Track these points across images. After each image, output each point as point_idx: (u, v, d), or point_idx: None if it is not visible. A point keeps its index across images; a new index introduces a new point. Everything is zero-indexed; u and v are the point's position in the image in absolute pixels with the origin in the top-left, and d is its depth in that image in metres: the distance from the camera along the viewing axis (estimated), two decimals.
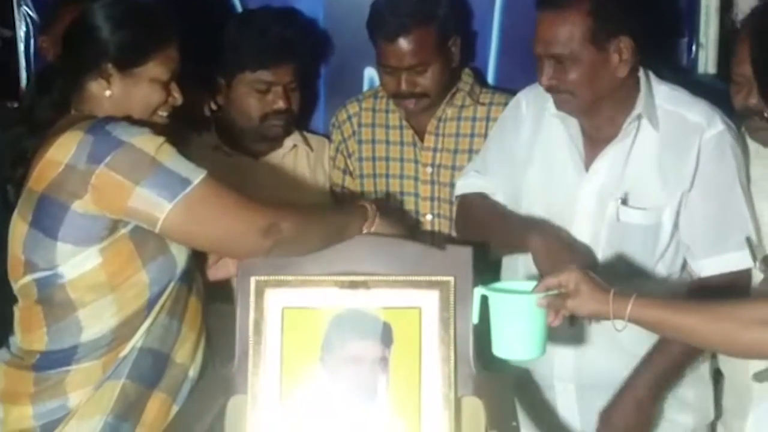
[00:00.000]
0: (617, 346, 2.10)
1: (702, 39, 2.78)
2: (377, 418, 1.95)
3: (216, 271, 2.10)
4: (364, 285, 1.98)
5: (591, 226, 2.14)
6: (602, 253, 2.14)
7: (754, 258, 2.05)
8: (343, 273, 1.99)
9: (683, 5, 2.77)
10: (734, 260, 2.09)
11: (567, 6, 2.03)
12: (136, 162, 1.81)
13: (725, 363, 2.20)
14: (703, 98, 2.15)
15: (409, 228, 2.35)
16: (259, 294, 1.98)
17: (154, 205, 1.81)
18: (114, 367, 1.91)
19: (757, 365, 2.05)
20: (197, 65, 2.12)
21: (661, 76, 2.19)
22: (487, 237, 2.24)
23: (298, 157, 2.67)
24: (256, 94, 2.50)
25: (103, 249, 1.86)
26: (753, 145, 2.16)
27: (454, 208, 2.48)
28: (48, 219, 1.84)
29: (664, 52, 2.72)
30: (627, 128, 2.12)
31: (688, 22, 2.77)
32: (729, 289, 2.05)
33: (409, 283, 1.98)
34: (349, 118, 2.67)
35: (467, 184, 2.38)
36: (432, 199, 2.59)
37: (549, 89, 2.11)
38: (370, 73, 2.75)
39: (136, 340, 1.92)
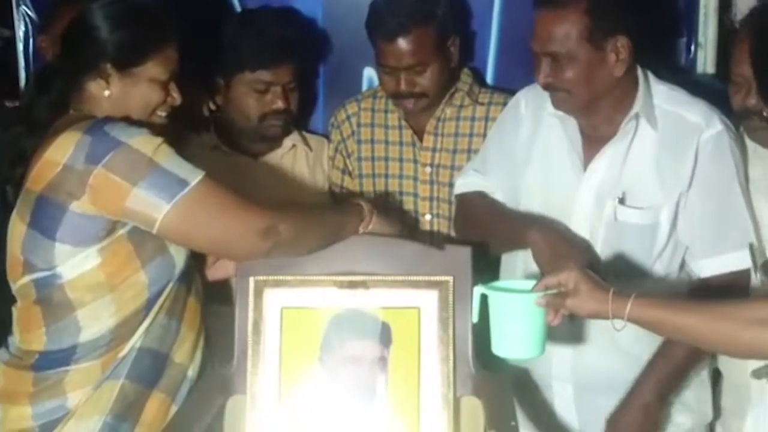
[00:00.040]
0: (615, 347, 2.10)
1: (701, 39, 2.77)
2: (376, 418, 1.95)
3: (215, 271, 2.09)
4: (363, 285, 1.98)
5: (589, 226, 2.14)
6: (600, 252, 2.13)
7: (755, 266, 2.05)
8: (342, 273, 1.99)
9: (682, 5, 2.77)
10: (734, 260, 2.09)
11: (564, 4, 2.03)
12: (133, 163, 1.81)
13: (724, 363, 2.20)
14: (702, 98, 2.15)
15: (407, 227, 2.35)
16: (258, 294, 1.98)
17: (151, 206, 1.81)
18: (113, 367, 1.91)
19: (756, 364, 2.06)
20: (196, 65, 2.12)
21: (660, 75, 2.19)
22: (486, 234, 2.25)
23: (297, 157, 2.66)
24: (255, 94, 2.50)
25: (101, 249, 1.86)
26: (751, 145, 2.16)
27: (453, 208, 2.49)
28: (46, 219, 1.84)
29: (662, 52, 2.72)
30: (625, 128, 2.12)
31: (687, 22, 2.77)
32: (729, 289, 2.05)
33: (408, 283, 1.98)
34: (348, 118, 2.67)
35: (466, 183, 2.39)
36: (431, 198, 2.59)
37: (546, 87, 2.12)
38: (369, 73, 2.75)
39: (135, 340, 1.92)
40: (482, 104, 2.58)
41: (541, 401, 2.25)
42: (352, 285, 1.98)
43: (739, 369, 2.11)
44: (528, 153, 2.25)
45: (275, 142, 2.62)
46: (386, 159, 2.63)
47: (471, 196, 2.36)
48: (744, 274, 2.09)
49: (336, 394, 1.96)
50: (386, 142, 2.63)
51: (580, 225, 2.14)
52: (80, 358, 1.90)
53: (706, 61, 2.78)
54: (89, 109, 1.94)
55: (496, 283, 1.93)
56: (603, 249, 2.13)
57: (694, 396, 2.21)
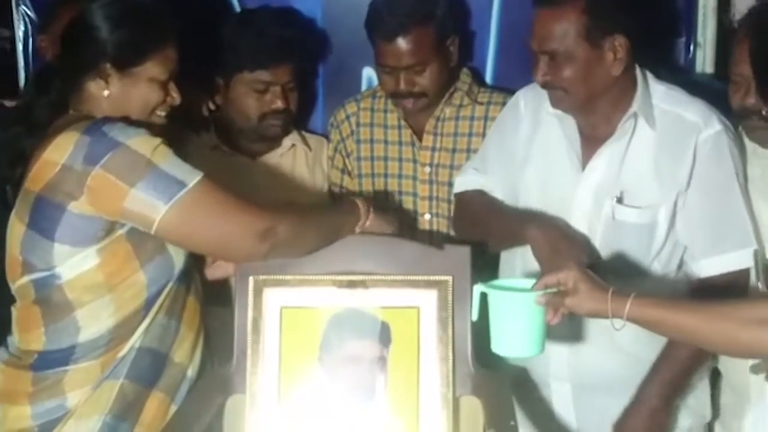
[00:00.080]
0: (613, 346, 2.10)
1: (699, 39, 2.78)
2: (375, 417, 1.95)
3: (214, 271, 2.09)
4: (363, 284, 1.98)
5: (587, 225, 2.14)
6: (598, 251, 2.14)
7: (758, 275, 2.05)
8: (342, 272, 1.99)
9: (681, 5, 2.77)
10: (733, 260, 2.09)
11: (563, 3, 2.04)
12: (131, 164, 1.81)
13: (724, 363, 2.20)
14: (701, 98, 2.15)
15: (407, 226, 2.35)
16: (258, 293, 1.98)
17: (149, 207, 1.81)
18: (112, 367, 1.92)
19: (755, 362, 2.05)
20: (195, 65, 2.11)
21: (659, 75, 2.19)
22: (485, 232, 2.25)
23: (297, 157, 2.66)
24: (254, 93, 2.50)
25: (100, 250, 1.86)
26: (750, 145, 2.16)
27: (452, 207, 2.49)
28: (45, 220, 1.84)
29: (661, 51, 2.72)
30: (623, 127, 2.12)
31: (686, 21, 2.78)
32: (728, 289, 2.05)
33: (407, 283, 1.98)
34: (348, 117, 2.67)
35: (466, 181, 2.39)
36: (430, 198, 2.59)
37: (543, 85, 2.12)
38: (369, 73, 2.76)
39: (135, 340, 1.92)
40: (481, 104, 2.58)
41: (539, 400, 2.25)
42: (352, 284, 1.98)
43: (739, 369, 2.11)
44: (527, 152, 2.25)
45: (275, 141, 2.62)
46: (385, 158, 2.63)
47: (470, 194, 2.36)
48: (743, 274, 2.09)
49: (335, 394, 1.96)
50: (385, 142, 2.63)
51: (578, 224, 2.14)
52: (79, 358, 1.90)
53: (705, 60, 2.78)
54: (89, 109, 1.94)
55: (496, 282, 1.93)
56: (601, 248, 2.13)
57: (693, 396, 2.21)
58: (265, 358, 1.96)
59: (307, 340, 1.97)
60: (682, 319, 1.74)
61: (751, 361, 2.04)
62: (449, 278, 1.97)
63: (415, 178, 2.60)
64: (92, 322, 1.88)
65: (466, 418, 1.96)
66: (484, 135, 2.50)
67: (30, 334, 1.92)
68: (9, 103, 2.61)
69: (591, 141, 2.16)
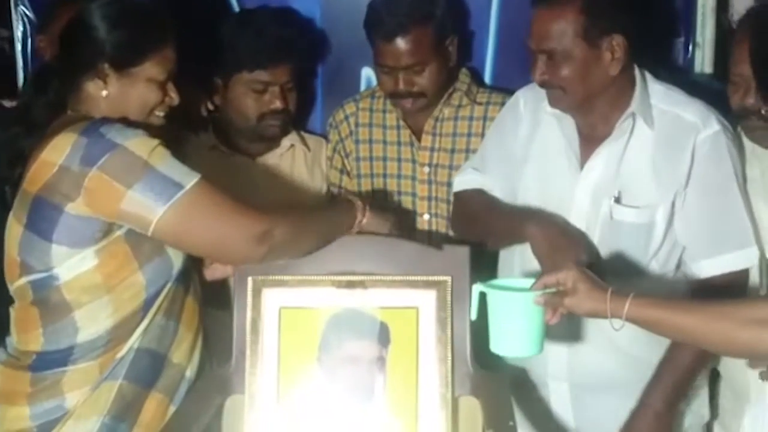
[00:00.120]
0: (611, 346, 2.10)
1: (698, 39, 2.77)
2: (374, 418, 1.95)
3: (213, 271, 2.09)
4: (362, 285, 1.98)
5: (585, 224, 2.14)
6: None
7: (762, 278, 2.04)
8: (341, 273, 1.99)
9: (680, 5, 2.77)
10: (732, 260, 2.09)
11: (560, 3, 2.04)
12: (128, 165, 1.81)
13: (724, 363, 2.20)
14: (700, 98, 2.15)
15: (406, 226, 2.35)
16: (257, 294, 1.98)
17: (146, 208, 1.81)
18: (111, 368, 1.91)
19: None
20: (194, 65, 2.11)
21: (658, 75, 2.19)
22: (484, 230, 2.25)
23: (296, 157, 2.66)
24: (253, 94, 2.49)
25: (98, 251, 1.86)
26: (749, 145, 2.16)
27: (452, 207, 2.49)
28: (42, 221, 1.84)
29: (660, 51, 2.72)
30: (621, 127, 2.12)
31: (685, 21, 2.77)
32: (727, 289, 2.05)
33: (406, 283, 1.98)
34: (347, 117, 2.67)
35: (465, 180, 2.39)
36: (429, 198, 2.59)
37: (541, 84, 2.12)
38: (368, 73, 2.75)
39: (133, 340, 1.92)
40: (480, 104, 2.58)
41: (538, 400, 2.25)
42: (351, 285, 1.98)
43: (738, 369, 2.11)
44: (526, 151, 2.25)
45: (273, 142, 2.62)
46: (384, 159, 2.63)
47: (469, 193, 2.36)
48: (742, 274, 2.09)
49: (334, 394, 1.96)
50: (384, 142, 2.63)
51: (576, 223, 2.14)
52: (78, 359, 1.90)
53: (703, 60, 2.78)
54: (87, 110, 1.94)
55: (495, 281, 1.93)
56: (599, 248, 2.13)
57: (693, 397, 2.21)
58: (264, 359, 1.96)
59: (306, 341, 1.97)
60: (681, 319, 1.74)
61: (750, 362, 2.04)
62: (448, 278, 1.97)
63: (413, 179, 2.60)
64: (91, 323, 1.88)
65: (464, 419, 1.96)
66: (483, 135, 2.49)
67: (28, 335, 1.92)
68: (8, 103, 2.61)
69: (589, 141, 2.16)
